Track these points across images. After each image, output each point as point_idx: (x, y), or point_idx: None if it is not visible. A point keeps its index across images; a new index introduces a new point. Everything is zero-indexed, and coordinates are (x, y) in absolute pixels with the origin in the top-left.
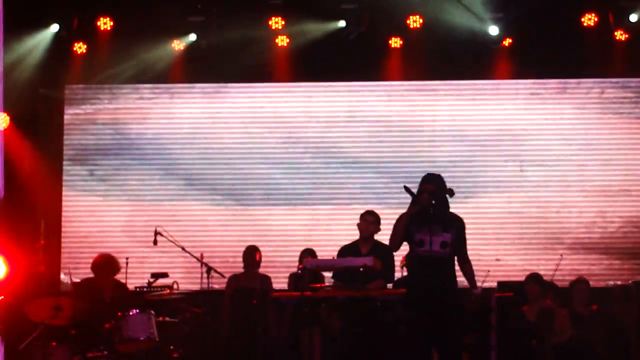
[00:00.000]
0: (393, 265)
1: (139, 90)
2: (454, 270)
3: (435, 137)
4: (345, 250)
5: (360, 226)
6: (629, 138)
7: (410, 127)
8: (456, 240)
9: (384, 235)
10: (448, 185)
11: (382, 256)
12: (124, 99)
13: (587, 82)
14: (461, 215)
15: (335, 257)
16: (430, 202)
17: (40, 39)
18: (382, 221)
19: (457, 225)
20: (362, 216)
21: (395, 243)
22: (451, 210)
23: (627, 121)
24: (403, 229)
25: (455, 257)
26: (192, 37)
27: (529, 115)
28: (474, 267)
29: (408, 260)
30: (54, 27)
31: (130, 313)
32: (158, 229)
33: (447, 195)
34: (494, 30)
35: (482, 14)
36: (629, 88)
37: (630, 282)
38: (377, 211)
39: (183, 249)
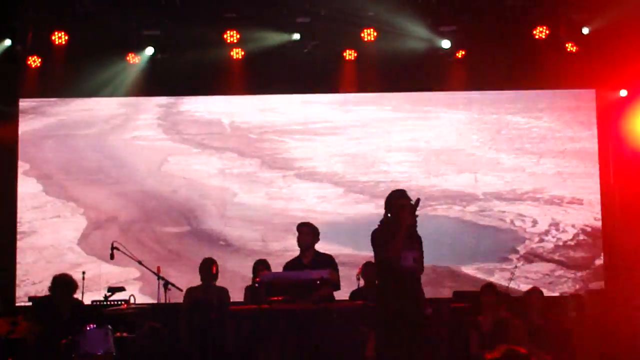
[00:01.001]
0: (338, 273)
1: (94, 103)
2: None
3: (390, 148)
4: (289, 265)
5: (298, 238)
6: (581, 148)
7: (365, 139)
8: (421, 254)
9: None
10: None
11: (326, 265)
12: (78, 113)
13: (539, 93)
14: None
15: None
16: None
17: None
18: (335, 231)
19: (420, 241)
20: (298, 228)
21: (397, 253)
22: None
23: (578, 131)
24: (402, 239)
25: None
26: (149, 50)
27: (483, 125)
28: (430, 277)
29: (381, 273)
30: (7, 42)
31: (88, 328)
32: (115, 243)
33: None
34: (446, 43)
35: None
36: (580, 99)
37: (583, 291)
38: (332, 222)
39: (140, 262)
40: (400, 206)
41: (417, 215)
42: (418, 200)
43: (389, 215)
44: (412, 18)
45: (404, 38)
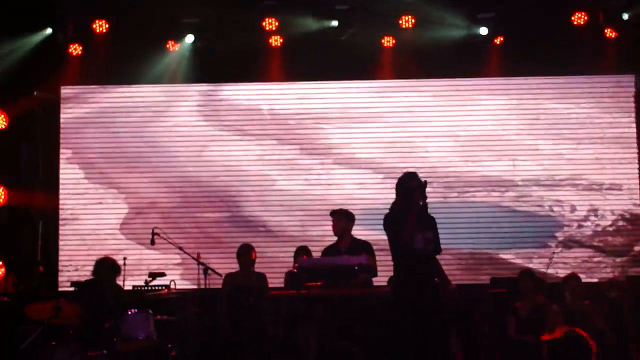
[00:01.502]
0: (375, 260)
1: (135, 91)
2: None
3: (428, 135)
4: (327, 251)
5: (333, 226)
6: (620, 133)
7: (403, 126)
8: (435, 235)
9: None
10: (442, 182)
11: (363, 251)
12: (119, 100)
13: (578, 79)
14: (454, 212)
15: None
16: (424, 195)
17: (35, 42)
18: (373, 218)
19: (434, 223)
20: (331, 217)
21: (409, 236)
22: (444, 206)
23: (617, 117)
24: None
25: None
26: (190, 38)
27: (521, 112)
28: (468, 263)
29: (394, 256)
30: (48, 30)
31: (129, 313)
32: (155, 229)
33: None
34: (484, 30)
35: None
36: (619, 84)
37: (622, 276)
38: (371, 209)
39: (180, 248)
40: (409, 188)
41: (426, 197)
42: (425, 182)
43: (400, 198)
44: (450, 5)
45: (442, 25)
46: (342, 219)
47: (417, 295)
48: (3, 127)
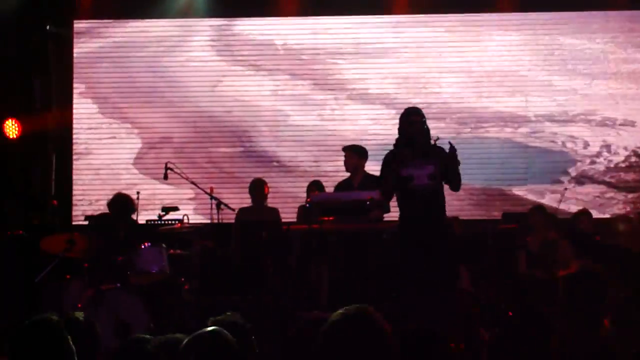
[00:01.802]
0: None
1: (148, 25)
2: (442, 202)
3: (441, 71)
4: (339, 186)
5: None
6: (634, 69)
7: (416, 61)
8: (441, 169)
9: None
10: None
11: (375, 186)
12: (132, 34)
13: (591, 14)
14: (467, 148)
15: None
16: (423, 130)
17: None
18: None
19: (440, 155)
20: (343, 151)
21: (387, 195)
22: (457, 142)
23: (631, 53)
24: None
25: (446, 187)
26: None
27: (534, 47)
28: (480, 198)
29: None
30: None
31: (143, 246)
32: (168, 163)
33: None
34: None
35: None
36: (634, 20)
37: (632, 213)
38: (384, 144)
39: (193, 183)
40: (409, 122)
41: (428, 130)
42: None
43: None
44: None
45: None
46: (354, 155)
47: (417, 234)
48: (15, 136)
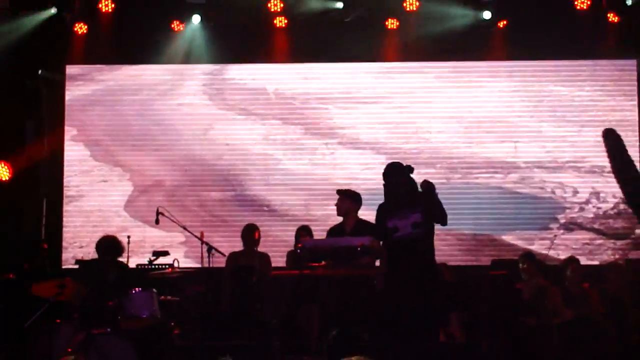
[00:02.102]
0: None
1: (141, 70)
2: (431, 249)
3: (431, 117)
4: (331, 232)
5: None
6: (621, 118)
7: (407, 107)
8: (427, 214)
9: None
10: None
11: (367, 232)
12: (125, 79)
13: (581, 63)
14: (457, 194)
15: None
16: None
17: (40, 20)
18: (377, 199)
19: (423, 200)
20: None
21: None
22: (447, 188)
23: (619, 101)
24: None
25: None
26: (196, 19)
27: (524, 95)
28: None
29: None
30: (53, 9)
31: (133, 291)
32: (160, 208)
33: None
34: (487, 14)
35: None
36: (621, 69)
37: (622, 260)
38: (374, 190)
39: (184, 227)
40: (386, 183)
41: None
42: (409, 167)
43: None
44: None
45: (445, 8)
46: (348, 199)
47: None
48: (7, 178)
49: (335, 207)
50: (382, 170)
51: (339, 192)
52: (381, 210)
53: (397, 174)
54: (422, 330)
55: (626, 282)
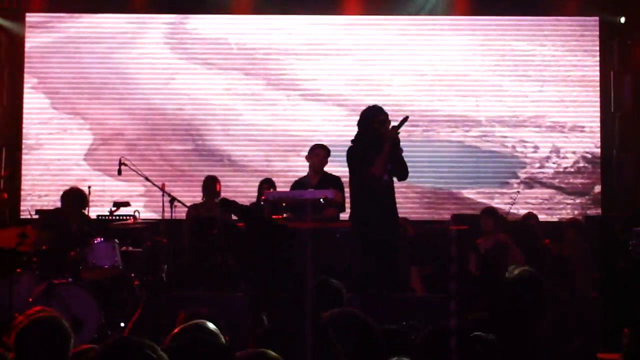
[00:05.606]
0: (344, 195)
1: (102, 20)
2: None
3: (393, 72)
4: (296, 184)
5: (312, 160)
6: (583, 75)
7: (368, 61)
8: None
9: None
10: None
11: (332, 185)
12: (86, 29)
13: (544, 20)
14: (417, 149)
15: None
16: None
17: None
18: (338, 152)
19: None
20: (313, 151)
21: (383, 169)
22: (408, 143)
23: (581, 58)
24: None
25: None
26: None
27: (486, 51)
28: (430, 199)
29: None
30: None
31: (95, 242)
32: (122, 159)
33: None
34: None
35: None
36: (583, 26)
37: (581, 216)
38: (335, 143)
39: (146, 178)
40: (380, 122)
41: (399, 132)
42: (406, 117)
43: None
44: None
45: None
46: (327, 154)
47: (381, 231)
48: None
49: (298, 160)
50: (368, 111)
51: (321, 146)
52: (360, 153)
53: (386, 120)
54: (394, 280)
55: (583, 240)
